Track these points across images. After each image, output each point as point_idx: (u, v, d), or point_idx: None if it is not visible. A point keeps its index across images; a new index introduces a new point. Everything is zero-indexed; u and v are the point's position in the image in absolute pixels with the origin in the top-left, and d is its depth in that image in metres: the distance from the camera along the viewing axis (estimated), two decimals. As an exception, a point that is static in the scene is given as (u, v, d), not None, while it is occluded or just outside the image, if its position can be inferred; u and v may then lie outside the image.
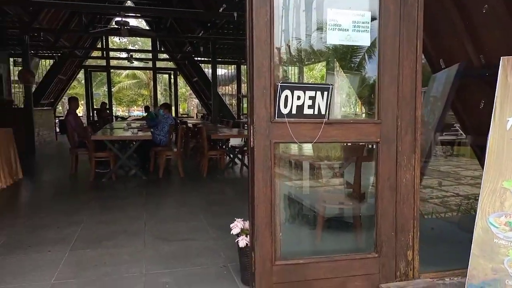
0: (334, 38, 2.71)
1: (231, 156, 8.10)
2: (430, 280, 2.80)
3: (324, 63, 4.25)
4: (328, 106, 2.62)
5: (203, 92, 18.12)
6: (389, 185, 2.74)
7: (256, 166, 2.52)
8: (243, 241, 2.76)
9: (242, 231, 2.84)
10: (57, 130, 15.53)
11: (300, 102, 2.58)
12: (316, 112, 2.60)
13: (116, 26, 8.50)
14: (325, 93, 2.61)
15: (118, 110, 33.76)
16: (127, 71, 30.14)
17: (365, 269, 2.71)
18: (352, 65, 3.76)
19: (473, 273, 2.55)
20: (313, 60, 4.03)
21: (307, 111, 2.59)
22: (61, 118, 16.88)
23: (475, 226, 2.59)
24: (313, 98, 2.59)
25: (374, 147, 2.80)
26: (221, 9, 9.48)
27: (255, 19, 2.47)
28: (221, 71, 19.33)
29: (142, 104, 37.76)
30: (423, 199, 5.66)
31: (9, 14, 9.40)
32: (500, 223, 2.52)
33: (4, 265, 3.22)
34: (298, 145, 4.28)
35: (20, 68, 13.84)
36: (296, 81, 3.94)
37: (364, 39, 2.72)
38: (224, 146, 8.29)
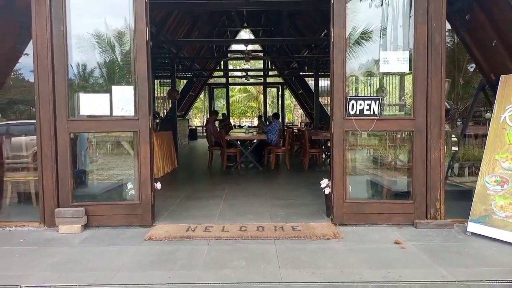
0: (385, 68, 4.48)
1: (329, 153, 9.89)
2: (450, 221, 4.31)
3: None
4: (379, 109, 4.38)
5: (306, 103, 20.15)
6: (421, 159, 4.35)
7: (334, 144, 4.40)
8: (327, 190, 4.64)
9: (327, 186, 4.71)
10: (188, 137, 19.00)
11: (361, 107, 4.39)
12: (371, 113, 4.38)
13: (240, 50, 10.98)
14: (377, 101, 4.38)
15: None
16: (240, 87, 33.95)
17: (404, 210, 4.37)
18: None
19: (474, 212, 4.03)
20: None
21: (366, 112, 4.39)
22: (191, 127, 20.55)
23: (476, 184, 4.07)
24: (369, 105, 4.39)
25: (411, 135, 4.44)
26: (323, 34, 11.43)
27: (334, 61, 4.37)
28: (323, 82, 21.16)
29: (250, 115, 41.50)
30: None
31: (163, 47, 12.72)
32: (491, 181, 3.97)
33: (188, 205, 5.59)
34: (372, 139, 6.00)
35: (164, 87, 17.69)
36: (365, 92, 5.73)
37: (404, 68, 4.42)
38: (323, 146, 10.11)
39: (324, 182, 4.74)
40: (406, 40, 4.51)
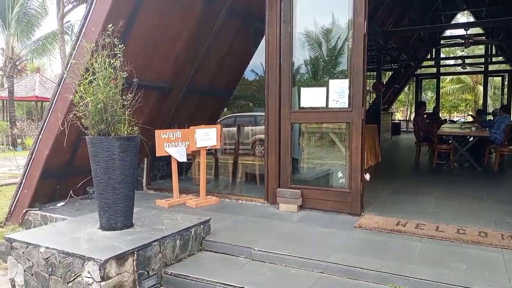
0: None
1: None
2: None
3: None
4: None
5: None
6: None
7: None
8: None
9: None
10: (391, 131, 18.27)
11: None
12: None
13: (457, 36, 9.80)
14: None
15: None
16: (451, 77, 30.33)
17: None
18: None
19: None
20: None
21: None
22: (394, 121, 19.72)
23: None
24: None
25: None
26: None
27: None
28: None
29: (464, 109, 36.38)
30: None
31: (371, 39, 12.59)
32: None
33: (396, 199, 5.43)
34: None
35: (368, 80, 17.54)
36: None
37: None
38: None
39: None
40: None
